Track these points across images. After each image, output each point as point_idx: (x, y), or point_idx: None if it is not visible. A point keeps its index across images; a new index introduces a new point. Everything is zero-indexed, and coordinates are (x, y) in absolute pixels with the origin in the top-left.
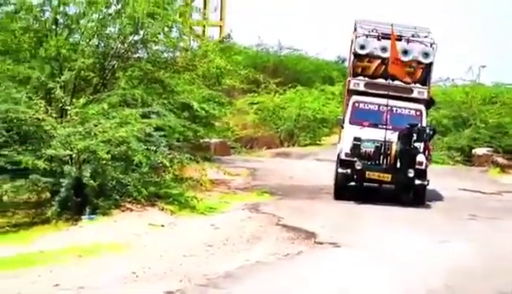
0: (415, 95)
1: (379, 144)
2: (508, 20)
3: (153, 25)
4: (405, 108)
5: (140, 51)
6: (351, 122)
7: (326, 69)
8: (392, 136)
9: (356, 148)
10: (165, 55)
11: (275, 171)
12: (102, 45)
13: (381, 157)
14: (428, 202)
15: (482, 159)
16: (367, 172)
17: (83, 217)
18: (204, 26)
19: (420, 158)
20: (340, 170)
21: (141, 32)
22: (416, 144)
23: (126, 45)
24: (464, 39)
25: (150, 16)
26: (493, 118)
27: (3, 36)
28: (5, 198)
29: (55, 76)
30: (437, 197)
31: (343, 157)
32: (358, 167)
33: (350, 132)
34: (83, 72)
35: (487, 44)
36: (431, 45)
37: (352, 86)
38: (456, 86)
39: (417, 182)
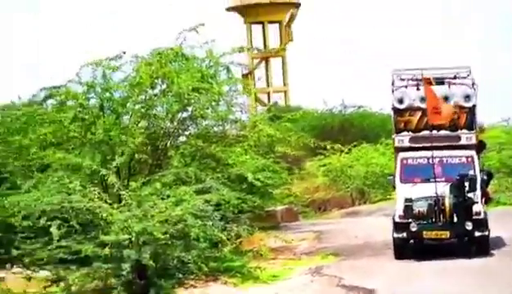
0: (463, 141)
1: (431, 201)
2: None
3: (199, 100)
4: (455, 156)
5: (190, 128)
6: (402, 181)
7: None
8: (445, 189)
9: (408, 209)
10: (215, 128)
11: (341, 231)
12: (151, 125)
13: (436, 214)
14: (492, 251)
15: None
16: (424, 232)
17: None
18: (269, 93)
19: (477, 208)
20: (396, 234)
21: (189, 108)
22: (470, 195)
23: (175, 123)
24: None
25: (196, 91)
26: None
27: (53, 127)
28: (73, 288)
29: (107, 162)
30: (501, 242)
31: (397, 219)
32: (413, 229)
33: (402, 192)
34: (136, 155)
35: None
36: (472, 86)
37: (397, 144)
38: None
39: (477, 234)
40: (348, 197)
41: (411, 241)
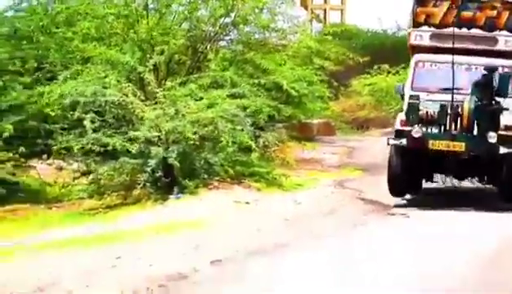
0: (500, 46)
1: (444, 103)
2: None
3: (243, 6)
4: (487, 65)
5: (231, 33)
6: (413, 89)
7: None
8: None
9: (412, 109)
10: (256, 36)
11: (374, 149)
12: (193, 28)
13: (449, 119)
14: None
15: None
16: (431, 141)
17: (170, 197)
18: (325, 10)
19: (509, 119)
20: (392, 141)
21: (232, 14)
22: (500, 100)
23: (217, 27)
24: None
25: None
26: None
27: (96, 23)
28: (101, 181)
29: (146, 60)
30: None
31: (397, 126)
32: (417, 135)
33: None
34: (176, 55)
35: None
36: None
37: (413, 40)
38: None
39: (503, 151)
40: (392, 118)
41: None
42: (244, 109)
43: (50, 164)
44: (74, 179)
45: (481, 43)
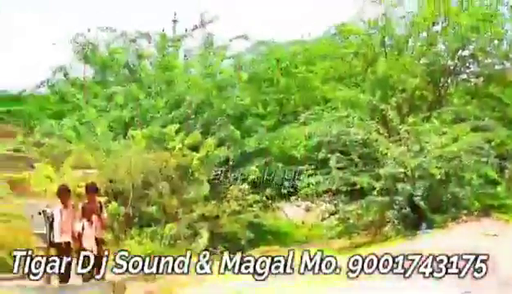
0: None
1: None
2: None
3: (478, 39)
4: None
5: (471, 66)
6: None
7: None
8: None
9: None
10: (496, 67)
11: None
12: (433, 62)
13: None
14: None
15: None
16: None
17: (418, 232)
18: None
19: None
20: None
21: (470, 47)
22: None
23: (455, 61)
24: None
25: (475, 30)
26: None
27: (335, 62)
28: (350, 221)
29: (387, 97)
30: None
31: None
32: None
33: None
34: (417, 91)
35: None
36: None
37: None
38: None
39: None
40: None
41: None
42: (488, 141)
43: (298, 206)
44: (323, 219)
45: None
